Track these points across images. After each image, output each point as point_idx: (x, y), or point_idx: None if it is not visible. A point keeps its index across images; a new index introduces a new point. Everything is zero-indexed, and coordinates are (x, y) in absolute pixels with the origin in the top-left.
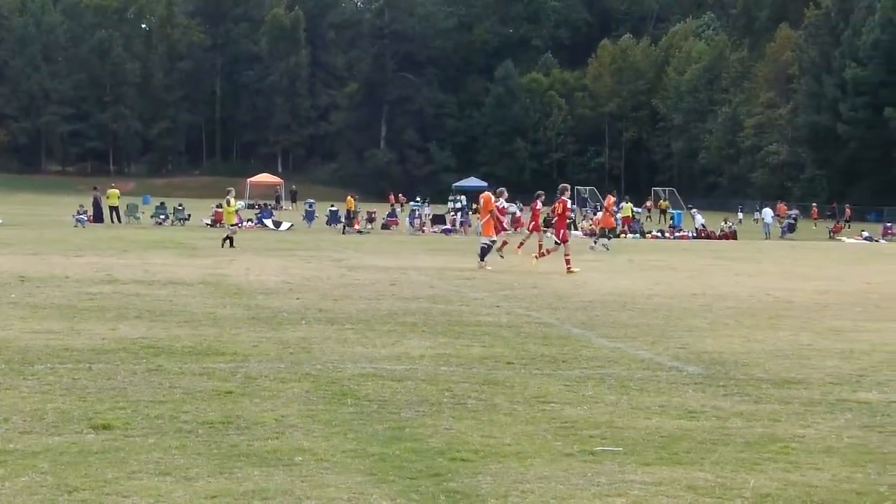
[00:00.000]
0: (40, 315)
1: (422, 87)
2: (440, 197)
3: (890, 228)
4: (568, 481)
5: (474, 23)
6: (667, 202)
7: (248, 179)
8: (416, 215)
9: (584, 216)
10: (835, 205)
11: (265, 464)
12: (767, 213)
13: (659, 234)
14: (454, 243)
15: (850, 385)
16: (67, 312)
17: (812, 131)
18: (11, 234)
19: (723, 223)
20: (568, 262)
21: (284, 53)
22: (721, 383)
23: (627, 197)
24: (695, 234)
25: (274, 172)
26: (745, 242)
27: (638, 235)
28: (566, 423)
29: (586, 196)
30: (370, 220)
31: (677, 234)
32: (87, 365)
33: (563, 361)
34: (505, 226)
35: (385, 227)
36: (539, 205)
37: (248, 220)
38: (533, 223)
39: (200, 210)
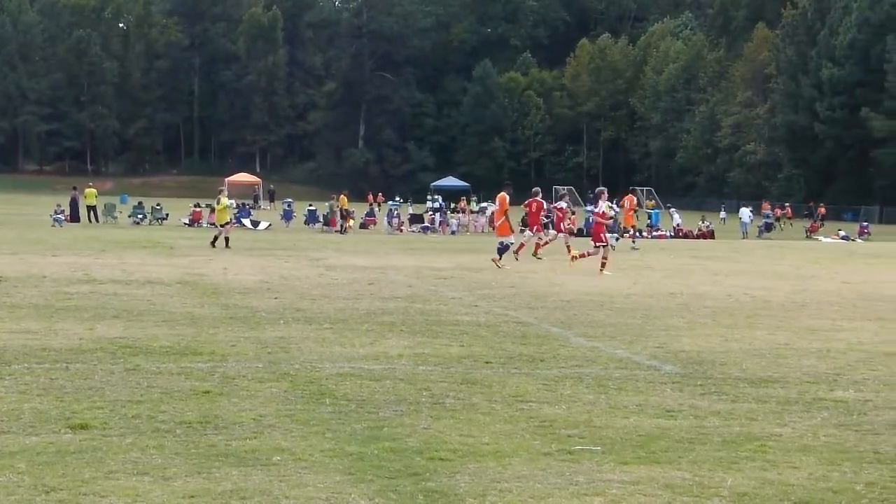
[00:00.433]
0: (17, 315)
1: (400, 86)
2: (418, 196)
3: (866, 228)
4: (546, 480)
5: (452, 22)
6: (653, 202)
7: (226, 179)
8: (395, 215)
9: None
10: (811, 204)
11: (243, 463)
12: (745, 212)
13: (639, 234)
14: (432, 243)
15: (827, 384)
16: (45, 312)
17: (789, 131)
18: None
19: (700, 222)
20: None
21: (262, 53)
22: (698, 382)
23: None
24: (672, 234)
25: (252, 172)
26: (723, 242)
27: (616, 235)
28: (544, 422)
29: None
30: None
31: (655, 233)
32: (65, 365)
33: (542, 361)
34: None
35: (363, 226)
36: (563, 205)
37: (227, 221)
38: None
39: (178, 209)
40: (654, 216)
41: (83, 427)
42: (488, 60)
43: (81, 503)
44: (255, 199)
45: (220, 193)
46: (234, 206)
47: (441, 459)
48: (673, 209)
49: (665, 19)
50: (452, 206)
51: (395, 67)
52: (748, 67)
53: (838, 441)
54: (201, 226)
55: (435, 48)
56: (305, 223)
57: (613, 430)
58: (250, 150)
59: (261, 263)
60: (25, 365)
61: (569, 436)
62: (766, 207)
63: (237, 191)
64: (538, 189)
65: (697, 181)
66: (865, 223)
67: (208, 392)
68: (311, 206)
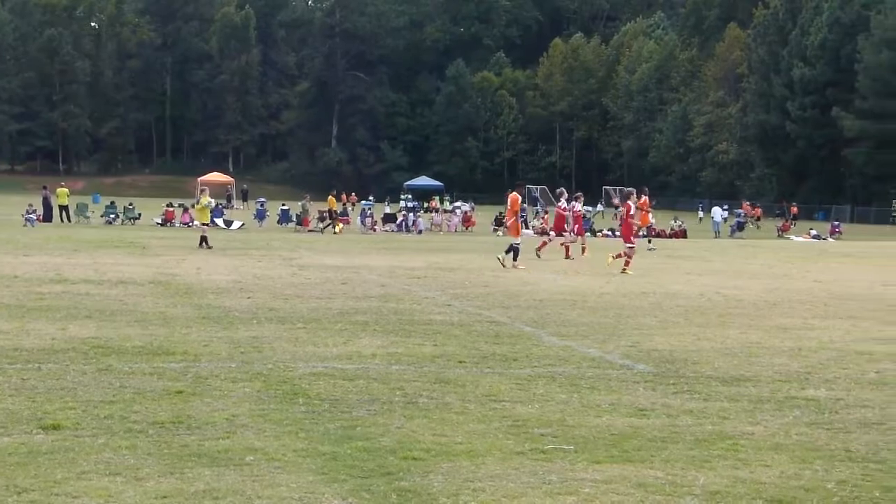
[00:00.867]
0: None
1: (373, 86)
2: (391, 196)
3: (838, 227)
4: (519, 479)
5: (425, 22)
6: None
7: (199, 178)
8: (368, 214)
9: (536, 215)
10: (783, 203)
11: (216, 463)
12: (717, 211)
13: (609, 233)
14: (405, 242)
15: (799, 382)
16: (16, 312)
17: (761, 130)
18: None
19: (672, 221)
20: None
21: (235, 52)
22: (671, 381)
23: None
24: (645, 233)
25: (225, 171)
26: (695, 241)
27: (589, 234)
28: (517, 421)
29: (537, 195)
30: (321, 219)
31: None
32: (37, 365)
33: (515, 360)
34: (566, 227)
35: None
36: (578, 206)
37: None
38: (577, 226)
39: (151, 209)
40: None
41: (55, 427)
42: (461, 60)
43: None
44: (229, 199)
45: (201, 193)
46: (213, 204)
47: (414, 459)
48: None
49: (638, 19)
50: (425, 205)
51: (369, 67)
52: (720, 67)
53: (810, 439)
54: (174, 225)
55: (408, 48)
56: (279, 223)
57: (586, 428)
58: (223, 149)
59: (234, 263)
60: None
61: (542, 435)
62: (745, 208)
63: (210, 190)
64: (563, 190)
65: (670, 181)
66: (837, 222)
67: (181, 392)
68: (284, 205)
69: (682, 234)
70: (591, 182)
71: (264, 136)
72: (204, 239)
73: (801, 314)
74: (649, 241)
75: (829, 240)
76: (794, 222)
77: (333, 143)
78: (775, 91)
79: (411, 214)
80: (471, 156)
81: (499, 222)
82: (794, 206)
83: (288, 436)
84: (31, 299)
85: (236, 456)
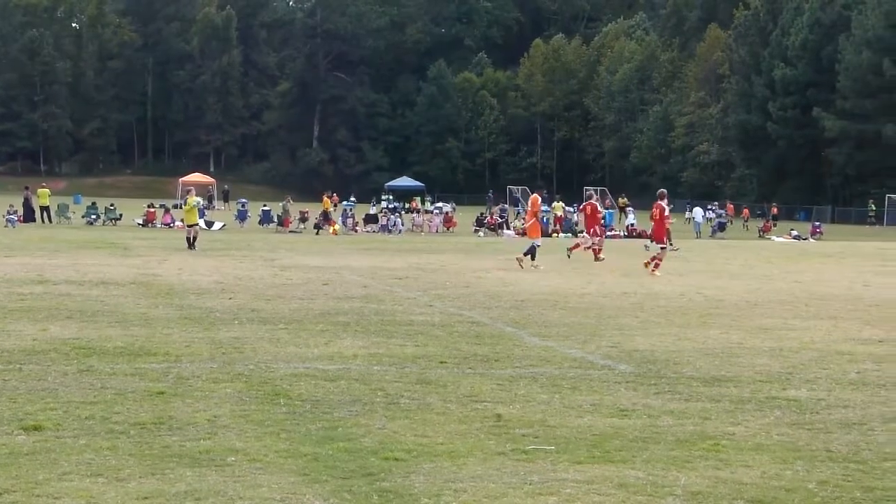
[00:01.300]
0: None
1: (354, 86)
2: (370, 196)
3: (818, 227)
4: (501, 480)
5: (407, 22)
6: (624, 199)
7: (181, 179)
8: (349, 215)
9: (517, 215)
10: (764, 204)
11: (198, 464)
12: (698, 212)
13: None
14: (387, 243)
15: (780, 383)
16: None
17: (742, 131)
18: None
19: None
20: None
21: (216, 53)
22: (652, 381)
23: (559, 196)
24: (626, 233)
25: (206, 172)
26: (676, 241)
27: (570, 234)
28: (499, 421)
29: (518, 196)
30: (303, 219)
31: (609, 233)
32: (18, 366)
33: (496, 360)
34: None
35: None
36: (600, 208)
37: (181, 220)
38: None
39: (132, 210)
40: (607, 216)
41: (36, 428)
42: (443, 61)
43: None
44: (210, 200)
45: (187, 194)
46: (201, 203)
47: (396, 459)
48: (629, 208)
49: (619, 20)
50: (406, 206)
51: (350, 67)
52: (701, 68)
53: (791, 440)
54: (155, 226)
55: (389, 48)
56: (260, 223)
57: (567, 429)
58: (204, 150)
59: (215, 264)
60: None
61: (523, 435)
62: (730, 210)
63: (185, 191)
64: (592, 192)
65: (651, 181)
66: (818, 223)
67: (162, 393)
68: (265, 206)
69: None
70: (572, 183)
71: (245, 136)
72: (192, 240)
73: (781, 314)
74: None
75: (810, 240)
76: (774, 222)
77: (314, 143)
78: (756, 91)
79: (393, 215)
80: (452, 156)
81: (480, 223)
82: (774, 206)
83: (269, 436)
84: (11, 300)
85: (218, 457)
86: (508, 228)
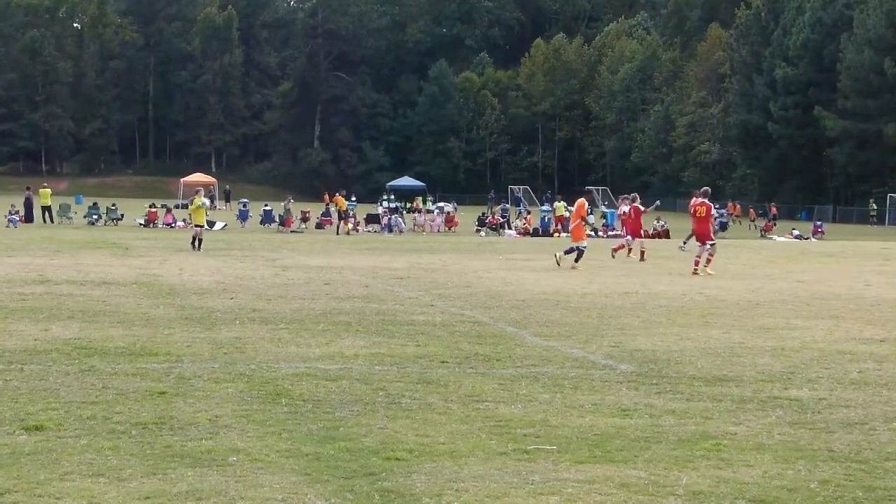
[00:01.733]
0: None
1: (355, 86)
2: (373, 196)
3: (820, 227)
4: (502, 480)
5: (408, 22)
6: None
7: (182, 179)
8: (350, 215)
9: (518, 215)
10: (766, 204)
11: (199, 464)
12: None
13: (592, 233)
14: (388, 243)
15: (781, 382)
16: None
17: (743, 130)
18: None
19: (655, 222)
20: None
21: (217, 53)
22: (654, 381)
23: (560, 196)
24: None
25: (207, 172)
26: (677, 241)
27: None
28: (500, 421)
29: (520, 195)
30: (304, 219)
31: (610, 232)
32: (19, 366)
33: (497, 360)
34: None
35: (319, 226)
36: (625, 208)
37: (182, 220)
38: (631, 228)
39: (133, 210)
40: (609, 216)
41: (38, 428)
42: (444, 60)
43: None
44: (211, 200)
45: (195, 193)
46: (209, 204)
47: (397, 459)
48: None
49: (620, 19)
50: (408, 206)
51: (351, 67)
52: (702, 67)
53: (793, 439)
54: (157, 226)
55: (390, 48)
56: (261, 223)
57: (569, 429)
58: (206, 150)
59: (217, 264)
60: None
61: (525, 435)
62: (736, 210)
63: (193, 191)
64: (636, 195)
65: (652, 181)
66: (819, 222)
67: (164, 393)
68: (266, 206)
69: (664, 234)
70: (573, 182)
71: (247, 136)
72: (199, 241)
73: (783, 314)
74: (685, 243)
75: (812, 240)
76: (774, 222)
77: (316, 143)
78: (757, 91)
79: (394, 215)
80: (453, 156)
81: (481, 223)
82: (773, 205)
83: (271, 436)
84: (13, 300)
85: (219, 456)
86: (510, 228)
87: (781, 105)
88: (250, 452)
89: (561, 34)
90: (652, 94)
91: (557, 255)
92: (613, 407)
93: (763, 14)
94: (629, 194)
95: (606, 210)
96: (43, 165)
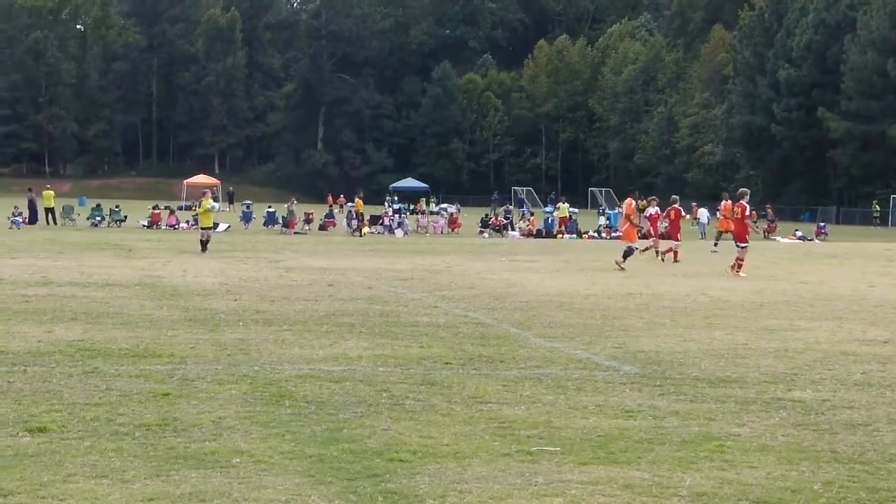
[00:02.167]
0: None
1: (359, 87)
2: (376, 198)
3: (823, 228)
4: (506, 481)
5: (411, 24)
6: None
7: (185, 180)
8: (354, 216)
9: (522, 216)
10: (768, 206)
11: (203, 466)
12: (703, 213)
13: (595, 234)
14: (392, 244)
15: (785, 384)
16: (2, 315)
17: (746, 131)
18: None
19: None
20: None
21: (221, 54)
22: (657, 383)
23: (564, 197)
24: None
25: (211, 173)
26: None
27: (575, 235)
28: (504, 423)
29: (523, 197)
30: (308, 221)
31: (614, 234)
32: (23, 367)
33: (501, 361)
34: (650, 231)
35: (322, 227)
36: (652, 210)
37: (186, 222)
38: (652, 228)
39: (137, 211)
40: (612, 217)
41: (41, 430)
42: (447, 62)
43: None
44: (214, 201)
45: (203, 195)
46: (217, 208)
47: (401, 461)
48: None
49: (623, 21)
50: (411, 207)
51: (354, 69)
52: (706, 68)
53: (796, 441)
54: (160, 228)
55: (394, 50)
56: (265, 225)
57: (573, 430)
58: (209, 151)
59: (220, 265)
60: None
61: (528, 437)
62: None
63: (196, 193)
64: (676, 197)
65: (656, 182)
66: (822, 223)
67: (167, 394)
68: (270, 207)
69: (667, 235)
70: (576, 184)
71: (250, 138)
72: (205, 242)
73: (787, 315)
74: (715, 244)
75: (815, 241)
76: (774, 223)
77: (319, 145)
78: (761, 92)
79: (397, 216)
80: (457, 157)
81: (485, 224)
82: (769, 207)
83: (274, 438)
84: (16, 302)
85: (223, 458)
86: (513, 229)
87: (785, 106)
88: (254, 454)
89: (564, 36)
90: (655, 96)
91: (618, 261)
92: (617, 408)
93: (766, 15)
94: (649, 196)
95: (609, 211)
96: (46, 167)
